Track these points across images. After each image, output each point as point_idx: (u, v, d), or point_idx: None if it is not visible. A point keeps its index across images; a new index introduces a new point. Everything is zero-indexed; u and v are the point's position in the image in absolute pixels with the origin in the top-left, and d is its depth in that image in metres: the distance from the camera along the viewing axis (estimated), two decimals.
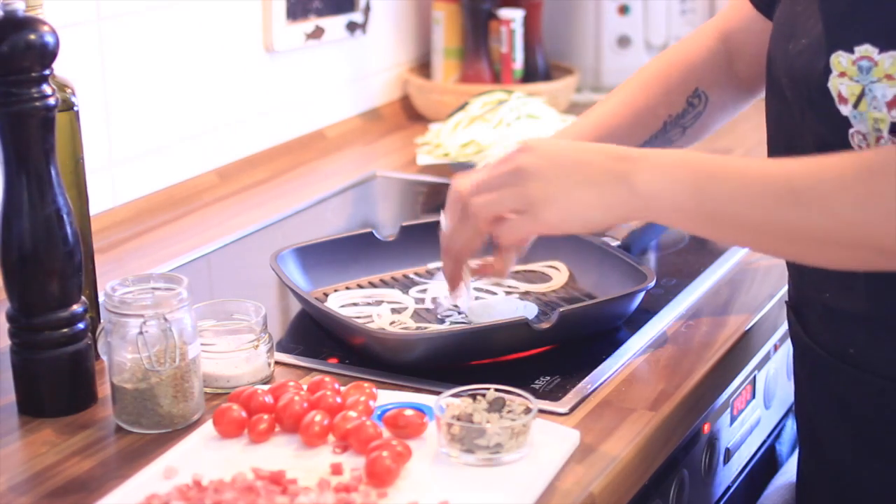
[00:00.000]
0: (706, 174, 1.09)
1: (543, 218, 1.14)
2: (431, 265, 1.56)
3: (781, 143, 1.27)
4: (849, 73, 1.16)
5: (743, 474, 1.54)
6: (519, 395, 1.14)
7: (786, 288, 1.50)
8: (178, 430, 1.18)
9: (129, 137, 1.81)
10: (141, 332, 1.16)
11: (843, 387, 1.24)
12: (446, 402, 1.13)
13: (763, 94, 1.33)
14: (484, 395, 1.15)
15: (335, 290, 1.49)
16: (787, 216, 1.06)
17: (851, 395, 1.24)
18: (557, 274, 1.52)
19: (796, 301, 1.32)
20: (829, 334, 1.25)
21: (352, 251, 1.53)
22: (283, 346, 1.36)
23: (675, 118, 1.43)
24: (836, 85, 1.16)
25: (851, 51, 1.15)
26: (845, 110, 1.18)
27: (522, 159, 1.15)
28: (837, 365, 1.24)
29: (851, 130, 1.17)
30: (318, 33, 2.15)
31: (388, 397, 1.21)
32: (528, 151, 1.15)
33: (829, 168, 1.07)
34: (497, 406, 1.13)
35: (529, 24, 2.33)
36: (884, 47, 1.13)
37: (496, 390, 1.15)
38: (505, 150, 1.18)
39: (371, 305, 1.45)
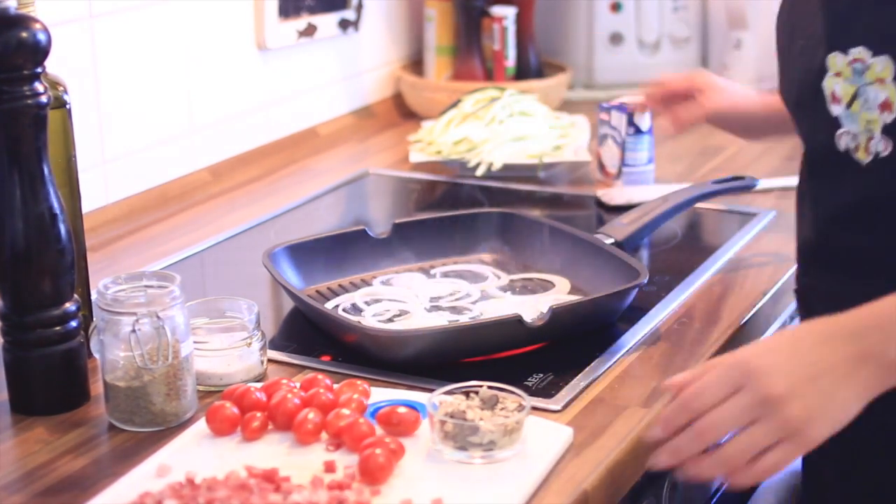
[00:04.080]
0: None
1: (811, 437, 1.04)
2: (425, 263, 1.56)
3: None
4: (843, 73, 1.17)
5: None
6: (512, 392, 1.14)
7: (782, 282, 1.51)
8: (171, 428, 1.18)
9: (121, 135, 1.81)
10: (134, 330, 1.16)
11: None
12: (439, 400, 1.13)
13: None
14: (477, 393, 1.15)
15: (328, 288, 1.49)
16: None
17: None
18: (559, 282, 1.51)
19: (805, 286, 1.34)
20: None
21: (344, 249, 1.53)
22: (275, 344, 1.36)
23: None
24: (830, 84, 1.16)
25: (846, 52, 1.15)
26: (837, 110, 1.19)
27: (763, 387, 1.03)
28: None
29: (840, 131, 1.18)
30: (310, 31, 2.14)
31: (381, 395, 1.21)
32: (761, 376, 1.04)
33: None
34: (490, 403, 1.13)
35: (522, 22, 2.33)
36: (877, 51, 1.14)
37: (489, 388, 1.15)
38: (715, 373, 1.06)
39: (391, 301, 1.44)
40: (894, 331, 1.04)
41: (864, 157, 1.21)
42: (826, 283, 1.29)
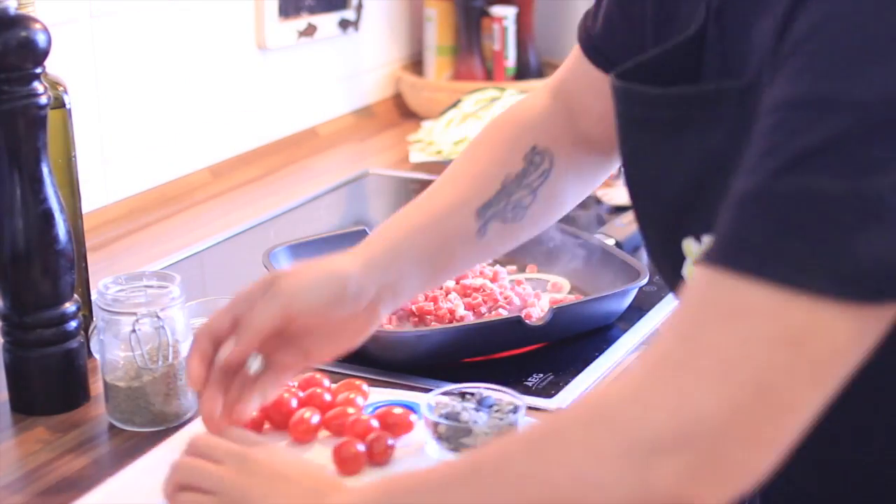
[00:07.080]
0: (396, 485, 0.96)
1: None
2: None
3: None
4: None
5: None
6: (507, 393, 1.14)
7: None
8: (171, 428, 1.18)
9: (121, 135, 1.81)
10: (134, 330, 1.16)
11: None
12: (435, 401, 1.13)
13: None
14: (473, 394, 1.15)
15: None
16: (469, 494, 0.92)
17: None
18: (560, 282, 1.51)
19: None
20: None
21: (344, 249, 1.52)
22: None
23: (517, 178, 1.22)
24: (690, 272, 1.01)
25: (699, 240, 1.01)
26: None
27: (234, 479, 0.99)
28: None
29: None
30: (310, 31, 2.15)
31: (379, 395, 1.21)
32: (243, 470, 0.99)
33: (510, 441, 0.96)
34: (485, 405, 1.13)
35: (521, 22, 2.33)
36: None
37: (485, 389, 1.15)
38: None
39: None
40: (345, 490, 0.97)
41: None
42: None
